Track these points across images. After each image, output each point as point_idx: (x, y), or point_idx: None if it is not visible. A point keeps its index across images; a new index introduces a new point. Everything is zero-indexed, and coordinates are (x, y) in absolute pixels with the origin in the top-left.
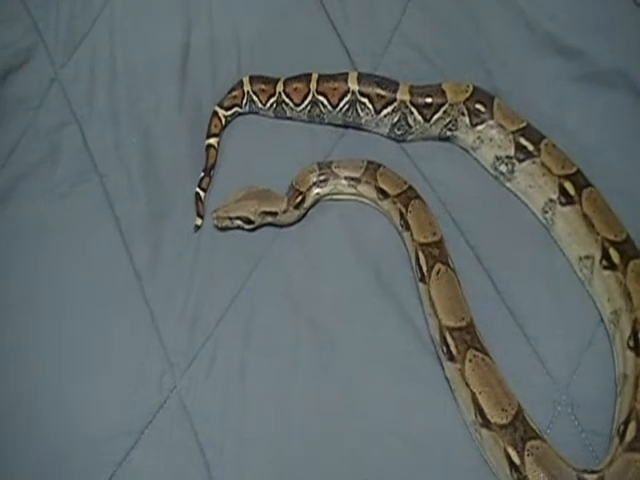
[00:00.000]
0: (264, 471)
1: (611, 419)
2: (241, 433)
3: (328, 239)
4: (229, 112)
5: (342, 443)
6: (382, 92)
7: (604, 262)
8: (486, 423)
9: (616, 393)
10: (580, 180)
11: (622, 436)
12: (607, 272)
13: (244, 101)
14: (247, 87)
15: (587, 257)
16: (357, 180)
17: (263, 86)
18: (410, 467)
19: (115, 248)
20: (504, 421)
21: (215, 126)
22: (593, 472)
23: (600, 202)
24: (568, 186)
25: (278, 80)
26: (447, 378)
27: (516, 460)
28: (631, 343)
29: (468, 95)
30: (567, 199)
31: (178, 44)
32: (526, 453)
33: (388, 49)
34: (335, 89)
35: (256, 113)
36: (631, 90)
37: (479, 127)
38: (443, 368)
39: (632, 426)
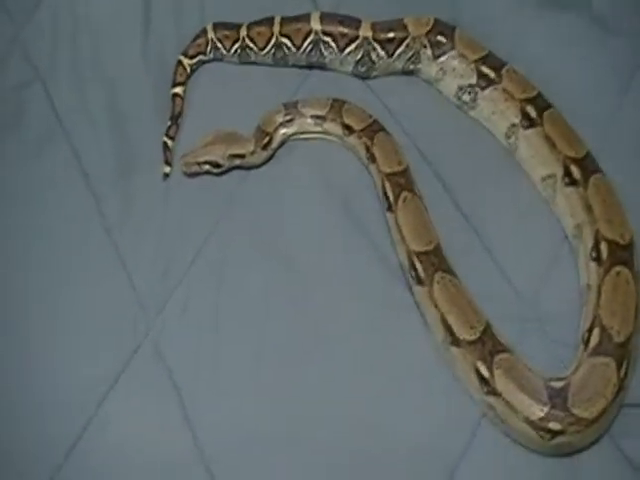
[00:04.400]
0: (240, 409)
1: (577, 329)
2: (216, 374)
3: (296, 178)
4: (194, 60)
5: (316, 374)
6: (344, 30)
7: (566, 179)
8: (455, 341)
9: (581, 304)
10: (541, 103)
11: (587, 343)
12: (569, 188)
13: (208, 49)
14: (211, 34)
15: (550, 176)
16: (323, 118)
17: (227, 32)
18: (382, 390)
19: (85, 203)
20: (472, 337)
21: (180, 75)
22: (560, 379)
23: (561, 122)
24: (530, 109)
25: (241, 25)
26: (417, 302)
27: (485, 374)
28: (594, 254)
29: (429, 28)
30: (529, 122)
31: None
32: (495, 366)
33: None
34: (298, 30)
35: (221, 60)
36: (589, 13)
37: (441, 59)
38: (412, 293)
39: (596, 332)
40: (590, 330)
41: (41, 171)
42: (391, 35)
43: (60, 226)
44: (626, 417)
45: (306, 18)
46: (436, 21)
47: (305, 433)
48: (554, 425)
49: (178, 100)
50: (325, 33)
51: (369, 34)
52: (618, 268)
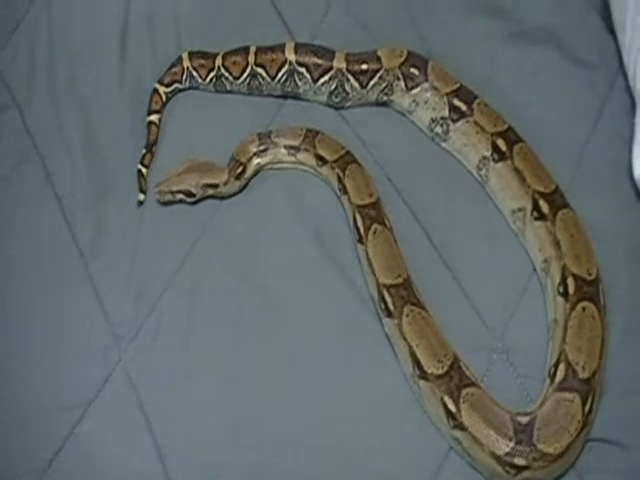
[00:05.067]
0: (211, 438)
1: (544, 363)
2: (187, 402)
3: (270, 207)
4: (169, 88)
5: (287, 404)
6: (319, 61)
7: (535, 213)
8: (423, 374)
9: (548, 338)
10: (511, 136)
11: (553, 377)
12: (538, 223)
13: (184, 77)
14: (186, 63)
15: (519, 209)
16: (296, 148)
17: (202, 61)
18: (352, 420)
19: (58, 227)
20: (440, 371)
21: (156, 103)
22: (526, 414)
23: (530, 156)
24: (500, 143)
25: (217, 55)
26: (387, 334)
27: (452, 408)
28: (561, 289)
29: (403, 60)
30: (499, 155)
31: (117, 22)
32: (461, 400)
33: (325, 18)
34: (273, 60)
35: (197, 88)
36: (557, 46)
37: (414, 91)
38: (383, 325)
39: (561, 367)
40: (556, 365)
41: (15, 194)
42: (364, 67)
43: (33, 251)
44: (591, 451)
45: (281, 48)
46: (409, 53)
47: (275, 461)
48: (519, 460)
49: (153, 128)
50: (299, 64)
51: (343, 65)
52: (584, 304)
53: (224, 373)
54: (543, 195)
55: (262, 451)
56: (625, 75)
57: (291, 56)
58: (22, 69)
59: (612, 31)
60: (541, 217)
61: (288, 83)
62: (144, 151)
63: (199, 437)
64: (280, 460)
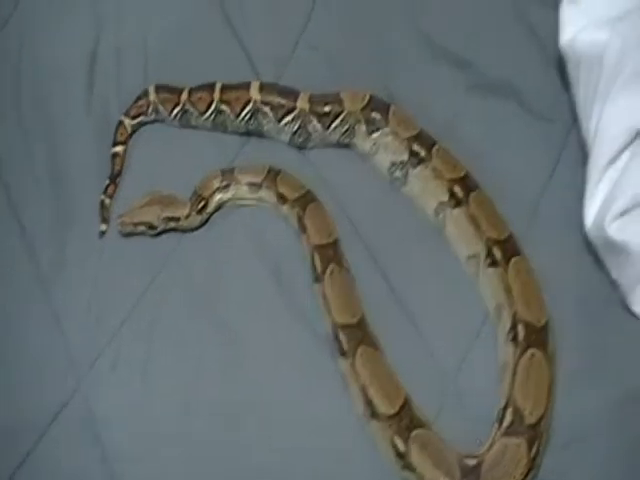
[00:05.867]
0: (167, 470)
1: (494, 407)
2: (144, 432)
3: (230, 243)
4: (135, 121)
5: (242, 437)
6: (283, 101)
7: (488, 260)
8: (375, 414)
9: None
10: (468, 183)
11: (501, 422)
12: (491, 269)
13: (149, 110)
14: (152, 96)
15: (474, 256)
16: (258, 185)
17: (168, 95)
18: (307, 456)
19: (20, 254)
20: (391, 411)
21: (121, 134)
22: (474, 457)
23: (486, 204)
24: (457, 189)
25: (183, 90)
26: (340, 373)
27: (401, 448)
28: (511, 335)
29: (365, 104)
30: (456, 202)
31: (86, 50)
32: (411, 441)
33: (293, 56)
34: (238, 98)
35: (162, 121)
36: (516, 98)
37: (375, 135)
38: (337, 363)
39: (509, 412)
40: (504, 409)
41: None
42: (327, 109)
43: None
44: None
45: (246, 86)
46: (372, 97)
47: None
48: None
49: (118, 159)
50: (264, 103)
51: (306, 106)
52: (533, 350)
53: (182, 405)
54: (497, 242)
55: None
56: (579, 129)
57: (256, 95)
58: None
59: (567, 86)
60: (494, 264)
61: (252, 121)
62: (108, 182)
63: (156, 469)
64: None
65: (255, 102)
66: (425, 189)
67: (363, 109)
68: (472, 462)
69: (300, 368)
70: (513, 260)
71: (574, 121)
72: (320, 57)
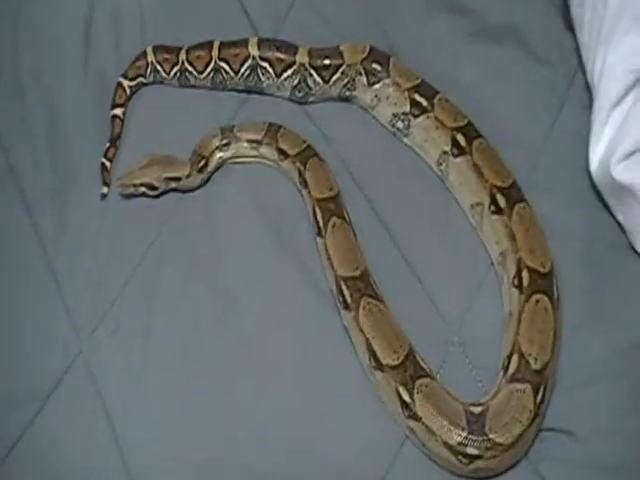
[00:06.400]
0: (169, 432)
1: (499, 355)
2: (145, 395)
3: (231, 201)
4: (133, 82)
5: (243, 398)
6: (282, 56)
7: (492, 207)
8: (379, 365)
9: (503, 330)
10: (471, 132)
11: (506, 369)
12: (495, 217)
13: (148, 71)
14: (150, 57)
15: (478, 204)
16: (258, 142)
17: (166, 55)
18: (309, 412)
19: (20, 219)
20: (395, 362)
21: (120, 97)
22: (479, 404)
23: (489, 152)
24: (460, 138)
25: (181, 49)
26: (345, 327)
27: (406, 398)
28: (516, 282)
29: (365, 55)
30: (459, 150)
31: (81, 15)
32: (416, 391)
33: (289, 14)
34: (236, 55)
35: (161, 82)
36: (519, 44)
37: (376, 86)
38: (341, 317)
39: (514, 359)
40: (509, 356)
41: None
42: (327, 62)
43: None
44: (544, 441)
45: (244, 43)
46: (371, 49)
47: (232, 454)
48: (471, 450)
49: (117, 122)
50: (262, 58)
51: (306, 60)
52: (537, 296)
53: (182, 367)
54: (500, 190)
55: (218, 445)
56: (584, 72)
57: (254, 51)
58: None
59: (571, 29)
60: (498, 211)
61: (251, 78)
62: (108, 144)
63: (157, 430)
64: (237, 453)
65: (254, 58)
66: (427, 139)
67: (363, 61)
68: (477, 410)
69: (303, 324)
70: (517, 207)
71: (579, 64)
72: (317, 13)
